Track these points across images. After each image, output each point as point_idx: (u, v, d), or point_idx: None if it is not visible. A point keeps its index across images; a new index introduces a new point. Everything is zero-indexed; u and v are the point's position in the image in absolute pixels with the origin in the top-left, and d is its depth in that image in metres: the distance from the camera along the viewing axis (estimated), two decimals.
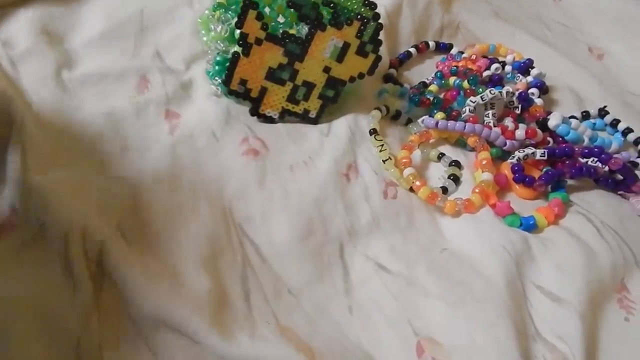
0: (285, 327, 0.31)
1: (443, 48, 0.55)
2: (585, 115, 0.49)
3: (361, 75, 0.41)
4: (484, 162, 0.41)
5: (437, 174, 0.43)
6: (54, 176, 0.36)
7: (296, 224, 0.35)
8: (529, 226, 0.38)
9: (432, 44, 0.55)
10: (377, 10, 0.39)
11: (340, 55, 0.39)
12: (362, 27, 0.38)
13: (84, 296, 0.29)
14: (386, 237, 0.37)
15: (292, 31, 0.39)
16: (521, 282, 0.34)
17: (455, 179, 0.42)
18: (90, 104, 0.43)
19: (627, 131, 0.47)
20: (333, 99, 0.42)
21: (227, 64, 0.40)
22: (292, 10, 0.38)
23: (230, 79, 0.40)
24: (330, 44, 0.38)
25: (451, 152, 0.44)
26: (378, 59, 0.40)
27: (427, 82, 0.51)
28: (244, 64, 0.39)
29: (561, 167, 0.42)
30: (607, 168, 0.41)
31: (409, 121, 0.47)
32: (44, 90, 0.43)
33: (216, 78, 0.43)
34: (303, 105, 0.41)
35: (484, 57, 0.54)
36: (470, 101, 0.44)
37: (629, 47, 0.57)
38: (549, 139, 0.45)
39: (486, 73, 0.51)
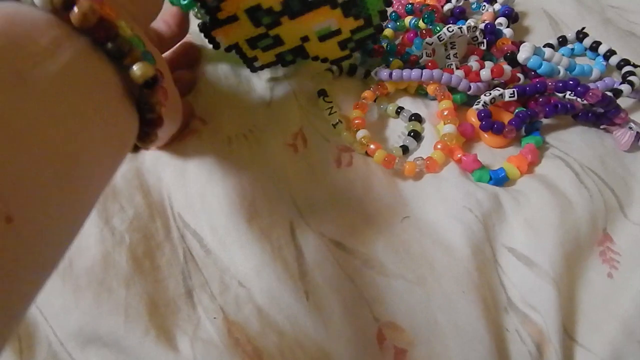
0: (233, 322, 0.29)
1: None
2: (562, 41, 0.44)
3: (325, 60, 0.38)
4: (445, 113, 0.37)
5: (398, 131, 0.39)
6: None
7: (239, 205, 0.32)
8: (499, 179, 0.34)
9: None
10: (383, 23, 0.36)
11: (325, 37, 0.36)
12: (361, 27, 0.35)
13: None
14: (341, 210, 0.33)
15: None
16: (490, 246, 0.30)
17: (416, 135, 0.37)
18: None
19: (609, 54, 0.41)
20: (286, 63, 0.38)
21: None
22: None
23: None
24: (327, 22, 0.34)
25: (411, 105, 0.39)
26: (348, 57, 0.38)
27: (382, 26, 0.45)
28: None
29: (533, 106, 0.37)
30: (585, 101, 0.36)
31: (367, 73, 0.42)
32: None
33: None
34: (255, 53, 0.37)
35: None
36: (427, 43, 0.39)
37: None
38: (519, 75, 0.39)
39: (447, 7, 0.45)
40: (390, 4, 0.35)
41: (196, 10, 0.35)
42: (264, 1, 0.33)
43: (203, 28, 0.35)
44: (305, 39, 0.36)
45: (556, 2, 0.47)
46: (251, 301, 0.29)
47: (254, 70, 0.39)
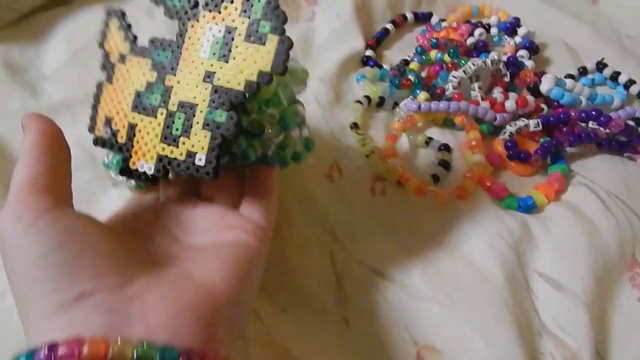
0: (281, 344, 0.30)
1: (422, 18, 0.52)
2: (583, 72, 0.46)
3: (264, 77, 0.23)
4: (473, 143, 0.39)
5: (428, 160, 0.41)
6: None
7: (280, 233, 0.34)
8: (528, 207, 0.36)
9: (409, 15, 0.51)
10: None
11: (225, 50, 0.25)
12: (248, 0, 0.24)
13: None
14: (377, 238, 0.35)
15: None
16: (522, 271, 0.32)
17: (446, 165, 0.39)
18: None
19: (629, 83, 0.43)
20: (229, 128, 0.24)
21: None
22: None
23: (94, 123, 0.28)
24: (207, 35, 0.25)
25: (440, 135, 0.41)
26: (284, 42, 0.23)
27: (408, 59, 0.48)
28: (108, 93, 0.28)
29: (558, 135, 0.39)
30: (608, 130, 0.38)
31: (396, 105, 0.44)
32: (11, 126, 0.42)
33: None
34: (184, 145, 0.25)
35: (468, 22, 0.50)
36: (453, 76, 0.41)
37: None
38: (543, 105, 0.41)
39: (470, 40, 0.47)
40: None
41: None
42: (137, 82, 0.27)
43: (122, 171, 0.27)
44: (208, 76, 0.25)
45: (575, 34, 0.49)
46: (294, 326, 0.31)
47: (214, 175, 0.24)
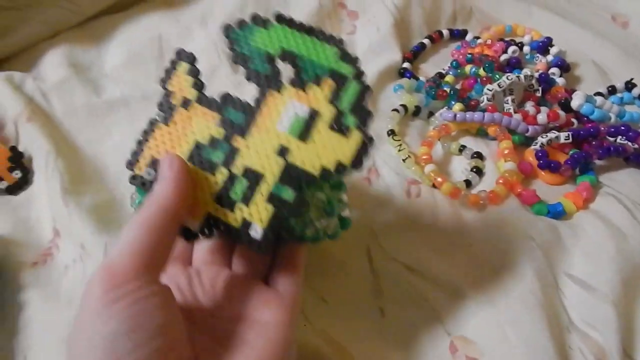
0: (321, 330, 0.32)
1: (457, 35, 0.55)
2: (612, 91, 0.48)
3: (340, 168, 0.23)
4: (506, 152, 0.41)
5: (460, 167, 0.43)
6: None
7: None
8: (557, 213, 0.37)
9: (445, 32, 0.54)
10: (359, 66, 0.25)
11: (305, 131, 0.24)
12: (338, 89, 0.24)
13: None
14: (412, 237, 0.37)
15: None
16: (552, 272, 0.34)
17: (478, 171, 0.41)
18: (118, 128, 0.45)
19: None
20: (292, 208, 0.24)
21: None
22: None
23: (137, 159, 0.26)
24: (289, 111, 0.24)
25: (472, 144, 0.44)
26: (367, 141, 0.23)
27: (443, 72, 0.50)
28: (161, 135, 0.26)
29: (588, 148, 0.41)
30: (636, 145, 0.39)
31: (431, 114, 0.47)
32: (75, 119, 0.46)
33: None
34: (241, 213, 0.24)
35: (501, 39, 0.53)
36: (488, 89, 0.44)
37: None
38: (573, 120, 0.43)
39: (504, 57, 0.50)
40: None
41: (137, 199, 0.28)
42: (200, 133, 0.26)
43: None
44: (282, 151, 0.24)
45: (605, 54, 0.51)
46: (335, 314, 0.33)
47: (263, 249, 0.24)
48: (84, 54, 0.51)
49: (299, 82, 0.25)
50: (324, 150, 0.24)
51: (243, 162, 0.24)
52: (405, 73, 0.50)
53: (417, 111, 0.46)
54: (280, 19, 0.26)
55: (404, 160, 0.42)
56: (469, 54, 0.50)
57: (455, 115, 0.43)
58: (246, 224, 0.24)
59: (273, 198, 0.24)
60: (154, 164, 0.25)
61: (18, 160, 0.43)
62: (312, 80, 0.25)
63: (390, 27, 0.52)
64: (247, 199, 0.24)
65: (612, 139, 0.41)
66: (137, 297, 0.19)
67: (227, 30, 0.26)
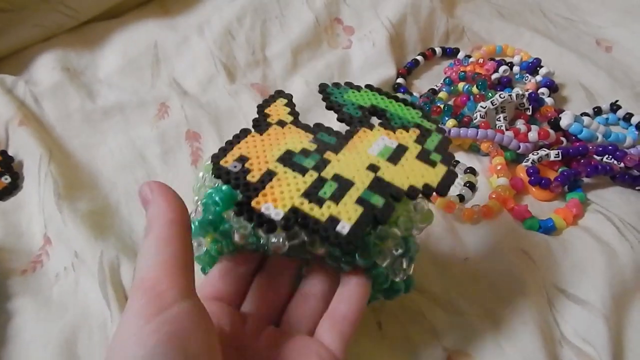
0: None
1: (450, 53, 0.56)
2: (598, 111, 0.49)
3: (428, 189, 0.24)
4: (498, 167, 0.42)
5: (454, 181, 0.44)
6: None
7: None
8: (548, 229, 0.38)
9: (438, 50, 0.55)
10: (440, 126, 0.29)
11: (394, 157, 0.26)
12: (423, 136, 0.27)
13: None
14: None
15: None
16: (544, 286, 0.35)
17: (472, 186, 0.42)
18: (113, 134, 0.45)
19: None
20: (382, 211, 0.23)
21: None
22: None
23: (224, 155, 0.26)
24: (380, 143, 0.27)
25: (465, 159, 0.45)
26: (451, 174, 0.26)
27: (437, 89, 0.51)
28: (253, 140, 0.26)
29: (576, 166, 0.42)
30: (622, 164, 0.41)
31: None
32: (69, 124, 0.45)
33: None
34: (329, 209, 0.23)
35: (492, 59, 0.54)
36: (481, 106, 0.45)
37: (638, 36, 0.57)
38: (562, 138, 0.45)
39: (495, 76, 0.51)
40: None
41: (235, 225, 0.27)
42: (292, 144, 0.26)
43: (241, 209, 0.23)
44: (372, 167, 0.25)
45: (591, 76, 0.53)
46: None
47: (351, 247, 0.23)
48: (77, 59, 0.51)
49: (389, 126, 0.28)
50: (412, 173, 0.25)
51: (334, 170, 0.25)
52: (400, 88, 0.51)
53: None
54: (371, 87, 0.31)
55: None
56: (462, 71, 0.51)
57: (449, 131, 0.43)
58: (333, 220, 0.23)
59: (362, 201, 0.24)
60: (241, 159, 0.25)
61: (8, 164, 0.42)
62: (400, 127, 0.28)
63: (385, 42, 0.53)
64: (336, 199, 0.24)
65: (599, 158, 0.42)
66: (175, 312, 0.19)
67: (323, 87, 0.30)
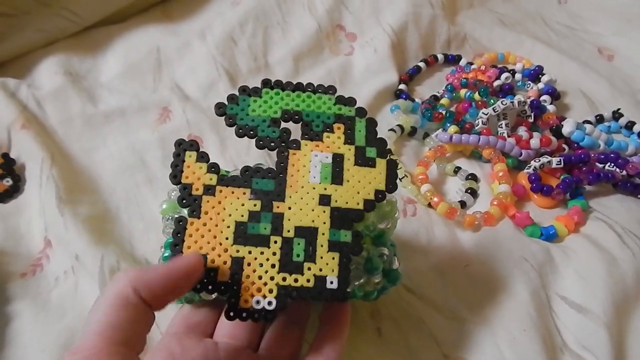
0: None
1: (452, 60, 0.56)
2: (599, 119, 0.49)
3: (380, 196, 0.25)
4: (500, 174, 0.42)
5: (455, 187, 0.44)
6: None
7: None
8: (550, 236, 0.38)
9: (440, 56, 0.55)
10: (356, 105, 0.28)
11: (336, 174, 0.26)
12: (348, 130, 0.27)
13: None
14: (409, 257, 0.37)
15: None
16: (545, 293, 0.34)
17: (473, 193, 0.42)
18: (114, 138, 0.45)
19: None
20: (354, 247, 0.24)
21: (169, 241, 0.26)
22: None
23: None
24: (315, 162, 0.26)
25: (467, 165, 0.45)
26: (392, 163, 0.26)
27: (439, 95, 0.51)
28: (195, 229, 0.24)
29: (578, 173, 0.42)
30: (624, 172, 0.41)
31: (426, 135, 0.47)
32: (70, 128, 0.45)
33: None
34: (310, 272, 0.24)
35: (494, 66, 0.54)
36: (483, 113, 0.45)
37: (639, 44, 0.57)
38: (564, 145, 0.45)
39: (497, 83, 0.51)
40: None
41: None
42: (236, 213, 0.25)
43: (230, 313, 0.23)
44: (324, 200, 0.25)
45: (592, 84, 0.53)
46: None
47: (345, 297, 0.24)
48: (80, 63, 0.51)
49: (312, 134, 0.26)
50: (360, 185, 0.25)
51: (292, 223, 0.25)
52: (401, 94, 0.51)
53: (412, 132, 0.47)
54: (267, 84, 0.28)
55: (400, 179, 0.42)
56: (464, 78, 0.51)
57: (451, 137, 0.43)
58: (320, 279, 0.23)
59: (334, 245, 0.24)
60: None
61: (9, 167, 0.42)
62: (323, 130, 0.27)
63: (387, 49, 0.53)
64: (311, 256, 0.24)
65: (601, 166, 0.42)
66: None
67: (220, 106, 0.27)
